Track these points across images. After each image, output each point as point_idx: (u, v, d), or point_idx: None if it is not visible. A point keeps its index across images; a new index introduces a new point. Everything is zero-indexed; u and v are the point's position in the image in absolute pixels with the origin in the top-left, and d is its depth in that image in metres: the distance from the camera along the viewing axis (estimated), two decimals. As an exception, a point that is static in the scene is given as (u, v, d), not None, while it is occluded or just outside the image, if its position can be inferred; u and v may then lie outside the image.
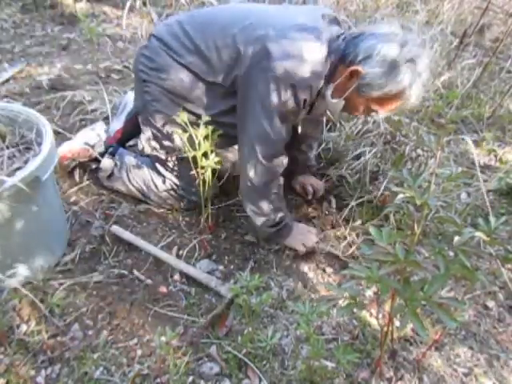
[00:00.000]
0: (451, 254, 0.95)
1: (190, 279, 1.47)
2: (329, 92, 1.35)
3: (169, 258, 1.51)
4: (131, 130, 1.79)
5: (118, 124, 1.82)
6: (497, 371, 1.27)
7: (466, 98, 2.42)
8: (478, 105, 2.48)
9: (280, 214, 1.50)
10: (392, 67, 1.23)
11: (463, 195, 1.82)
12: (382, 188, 1.64)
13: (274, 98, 1.28)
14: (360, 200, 1.73)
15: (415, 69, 1.23)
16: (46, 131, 1.30)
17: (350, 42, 1.29)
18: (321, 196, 1.83)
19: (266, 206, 1.46)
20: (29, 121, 1.37)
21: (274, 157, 1.39)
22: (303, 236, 1.57)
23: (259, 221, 1.50)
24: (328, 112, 1.45)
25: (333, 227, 1.73)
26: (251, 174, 1.41)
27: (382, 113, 1.37)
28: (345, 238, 1.68)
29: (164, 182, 1.65)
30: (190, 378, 1.19)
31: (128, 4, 2.48)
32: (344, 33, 1.35)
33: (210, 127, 1.32)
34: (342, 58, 1.30)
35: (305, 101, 1.32)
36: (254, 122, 1.34)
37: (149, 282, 1.45)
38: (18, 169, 1.23)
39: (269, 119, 1.32)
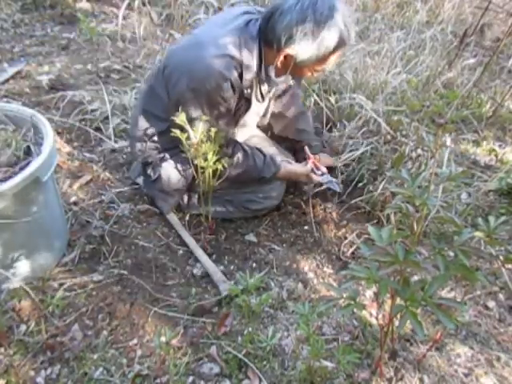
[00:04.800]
0: (451, 254, 0.95)
1: (190, 279, 1.47)
2: (272, 74, 1.41)
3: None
4: None
5: None
6: (497, 371, 1.27)
7: (466, 97, 2.41)
8: (479, 105, 2.48)
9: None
10: (315, 35, 1.25)
11: (463, 195, 1.82)
12: (382, 188, 1.64)
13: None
14: (360, 199, 1.73)
15: (336, 22, 1.24)
16: (46, 132, 1.30)
17: (266, 26, 1.31)
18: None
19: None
20: (29, 121, 1.37)
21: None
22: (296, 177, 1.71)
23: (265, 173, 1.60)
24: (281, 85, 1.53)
25: (333, 227, 1.73)
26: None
27: (330, 66, 1.40)
28: (345, 237, 1.68)
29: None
30: (190, 379, 1.19)
31: (125, 4, 2.48)
32: (252, 19, 1.36)
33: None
34: (266, 42, 1.33)
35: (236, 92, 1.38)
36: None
37: (149, 282, 1.45)
38: (19, 169, 1.23)
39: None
